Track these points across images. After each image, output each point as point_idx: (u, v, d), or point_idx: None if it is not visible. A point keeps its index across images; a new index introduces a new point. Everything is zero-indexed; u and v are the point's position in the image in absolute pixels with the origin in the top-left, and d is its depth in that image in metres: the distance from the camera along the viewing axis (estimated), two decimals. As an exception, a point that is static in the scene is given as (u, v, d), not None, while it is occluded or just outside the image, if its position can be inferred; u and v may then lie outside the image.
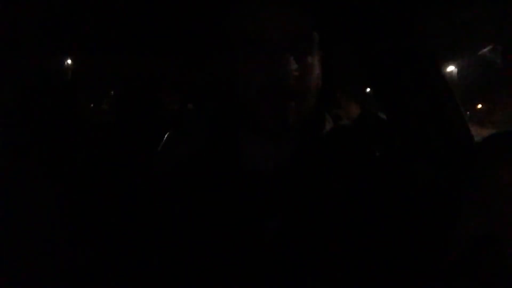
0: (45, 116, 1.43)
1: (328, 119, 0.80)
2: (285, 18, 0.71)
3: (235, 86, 0.71)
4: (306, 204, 0.71)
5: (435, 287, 0.66)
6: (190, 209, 0.72)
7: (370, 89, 1.37)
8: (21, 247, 1.02)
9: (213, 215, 0.71)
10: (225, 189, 0.72)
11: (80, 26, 1.41)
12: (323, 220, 0.70)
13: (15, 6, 1.10)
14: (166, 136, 0.82)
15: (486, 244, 0.62)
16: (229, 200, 0.71)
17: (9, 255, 1.00)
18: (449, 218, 0.68)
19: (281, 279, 0.69)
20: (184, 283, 0.72)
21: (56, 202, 1.17)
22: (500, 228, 0.61)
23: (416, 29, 1.11)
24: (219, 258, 0.69)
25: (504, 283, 0.63)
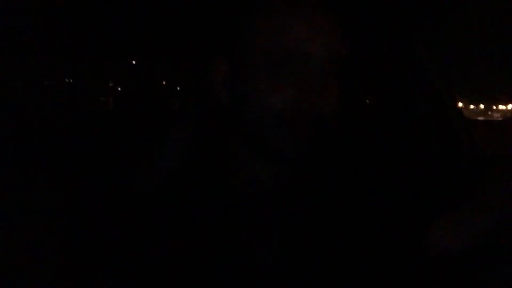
0: (45, 114, 1.44)
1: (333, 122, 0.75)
2: (328, 35, 0.63)
3: (251, 107, 0.64)
4: (306, 229, 0.66)
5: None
6: (179, 233, 0.66)
7: (372, 93, 1.37)
8: (20, 247, 1.03)
9: (204, 239, 0.65)
10: (217, 212, 0.66)
11: (82, 26, 1.41)
12: (324, 244, 0.66)
13: (18, 6, 1.11)
14: (148, 150, 0.76)
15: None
16: (222, 224, 0.65)
17: (8, 255, 1.00)
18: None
19: None
20: None
21: (53, 201, 1.17)
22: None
23: (417, 30, 1.11)
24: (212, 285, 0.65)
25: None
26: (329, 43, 0.63)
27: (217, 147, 0.70)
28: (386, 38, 1.15)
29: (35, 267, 1.00)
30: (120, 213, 0.71)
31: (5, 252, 0.99)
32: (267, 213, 0.66)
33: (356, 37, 1.19)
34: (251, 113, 0.64)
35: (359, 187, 0.70)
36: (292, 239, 0.66)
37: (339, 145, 0.74)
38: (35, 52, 1.36)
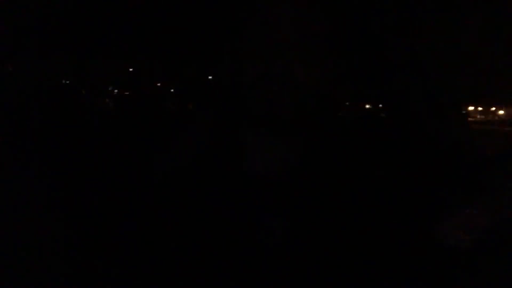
0: (46, 114, 1.44)
1: (334, 119, 0.81)
2: (301, 14, 0.71)
3: (244, 81, 0.71)
4: (313, 206, 0.71)
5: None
6: (193, 212, 0.71)
7: (372, 89, 1.38)
8: (21, 246, 1.02)
9: (217, 218, 0.70)
10: (230, 191, 0.71)
11: (84, 27, 1.42)
12: (329, 221, 0.70)
13: (21, 8, 1.12)
14: (167, 137, 0.82)
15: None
16: (235, 203, 0.70)
17: (8, 255, 1.00)
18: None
19: (286, 282, 0.68)
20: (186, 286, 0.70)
21: (55, 199, 1.17)
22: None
23: (418, 29, 1.12)
24: (223, 261, 0.69)
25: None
26: (303, 18, 0.69)
27: (228, 138, 0.75)
28: (386, 38, 1.16)
29: (35, 267, 1.00)
30: (129, 207, 0.74)
31: (5, 252, 0.99)
32: (276, 191, 0.70)
33: (356, 37, 1.19)
34: (250, 88, 0.70)
35: (363, 184, 0.73)
36: (300, 217, 0.70)
37: (342, 142, 0.78)
38: (36, 53, 1.37)
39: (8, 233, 0.99)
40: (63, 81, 1.95)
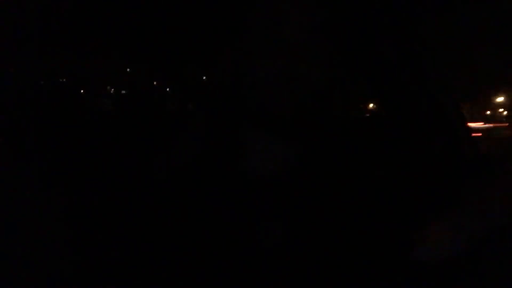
0: (44, 115, 1.44)
1: (335, 119, 0.81)
2: (300, 13, 0.72)
3: (244, 81, 0.72)
4: (312, 208, 0.71)
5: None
6: (192, 213, 0.71)
7: (373, 90, 1.38)
8: (22, 247, 1.02)
9: (216, 220, 0.70)
10: (229, 192, 0.72)
11: (83, 27, 1.42)
12: (330, 223, 0.70)
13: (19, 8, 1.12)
14: (166, 137, 0.82)
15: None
16: (233, 204, 0.71)
17: (8, 255, 0.99)
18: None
19: (285, 282, 0.69)
20: None
21: (56, 200, 1.17)
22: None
23: (417, 29, 1.13)
24: (220, 264, 0.69)
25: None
26: (302, 19, 0.74)
27: (227, 139, 0.75)
28: (387, 39, 1.17)
29: (36, 267, 1.00)
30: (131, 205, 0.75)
31: (5, 252, 0.99)
32: (276, 192, 0.70)
33: (357, 39, 1.20)
34: (252, 87, 0.70)
35: (361, 183, 0.73)
36: (299, 219, 0.70)
37: (342, 142, 0.78)
38: (34, 53, 1.37)
39: (8, 234, 0.98)
40: (61, 81, 1.95)
